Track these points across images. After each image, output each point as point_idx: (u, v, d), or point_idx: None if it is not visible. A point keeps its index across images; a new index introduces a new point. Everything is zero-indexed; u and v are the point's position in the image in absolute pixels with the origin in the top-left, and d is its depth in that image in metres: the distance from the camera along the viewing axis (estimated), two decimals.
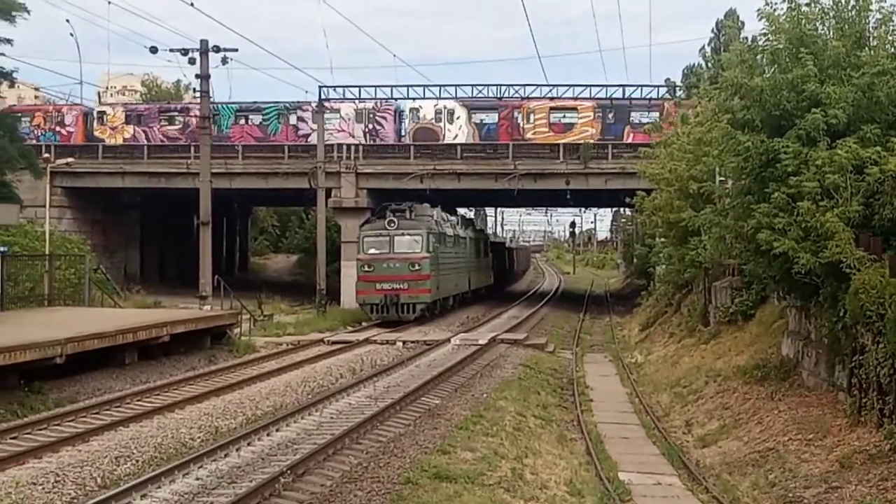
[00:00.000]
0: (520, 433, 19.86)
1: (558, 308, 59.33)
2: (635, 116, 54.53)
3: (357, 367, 27.83)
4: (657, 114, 51.86)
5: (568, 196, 57.51)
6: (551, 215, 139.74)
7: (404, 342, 34.62)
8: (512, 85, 54.17)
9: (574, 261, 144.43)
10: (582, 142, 52.63)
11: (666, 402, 25.88)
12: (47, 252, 37.09)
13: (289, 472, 14.33)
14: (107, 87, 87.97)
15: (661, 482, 17.89)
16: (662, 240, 42.12)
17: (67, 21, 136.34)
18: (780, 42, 20.79)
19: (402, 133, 57.49)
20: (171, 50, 37.40)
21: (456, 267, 50.86)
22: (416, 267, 41.96)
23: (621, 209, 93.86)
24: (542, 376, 28.87)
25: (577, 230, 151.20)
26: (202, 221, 36.43)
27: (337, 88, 53.69)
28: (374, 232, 43.81)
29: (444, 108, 56.67)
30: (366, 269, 42.50)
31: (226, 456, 15.87)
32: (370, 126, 57.03)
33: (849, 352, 18.16)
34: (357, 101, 55.63)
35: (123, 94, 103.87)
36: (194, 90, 42.29)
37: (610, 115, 54.88)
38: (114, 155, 56.43)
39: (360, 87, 54.67)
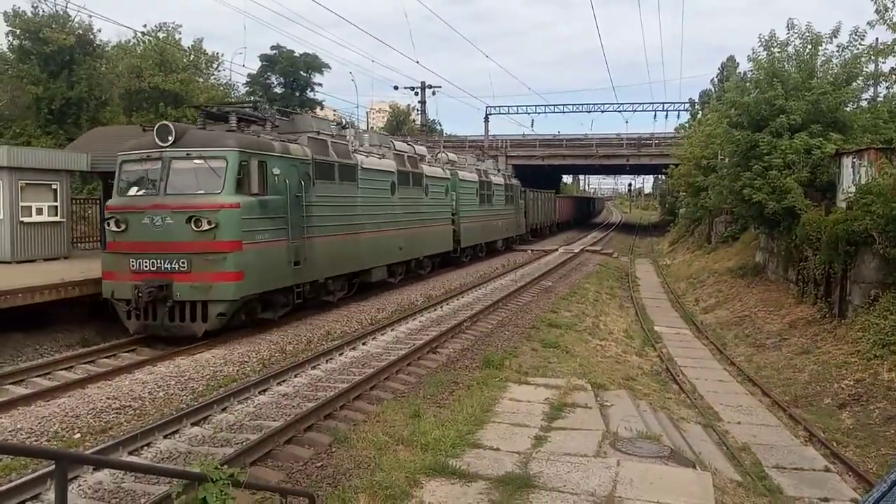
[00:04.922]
0: (597, 302, 19.75)
1: (620, 233, 57.89)
2: None
3: (506, 264, 27.87)
4: None
5: (627, 168, 55.50)
6: (617, 179, 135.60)
7: (533, 250, 33.89)
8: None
9: (630, 206, 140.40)
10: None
11: (683, 288, 25.24)
12: None
13: (468, 320, 14.49)
14: (369, 111, 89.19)
15: (679, 332, 17.66)
16: (684, 193, 40.56)
17: (350, 73, 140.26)
18: (760, 75, 19.62)
19: None
20: (406, 87, 37.92)
21: (370, 221, 16.45)
22: (207, 225, 10.41)
23: (660, 176, 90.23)
24: (610, 271, 28.42)
25: (632, 188, 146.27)
26: None
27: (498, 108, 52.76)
28: (138, 154, 11.14)
29: None
30: (115, 228, 10.84)
31: (434, 309, 16.14)
32: None
33: (797, 260, 17.41)
34: None
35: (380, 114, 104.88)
36: (417, 110, 42.68)
37: None
38: None
39: (515, 107, 53.69)
